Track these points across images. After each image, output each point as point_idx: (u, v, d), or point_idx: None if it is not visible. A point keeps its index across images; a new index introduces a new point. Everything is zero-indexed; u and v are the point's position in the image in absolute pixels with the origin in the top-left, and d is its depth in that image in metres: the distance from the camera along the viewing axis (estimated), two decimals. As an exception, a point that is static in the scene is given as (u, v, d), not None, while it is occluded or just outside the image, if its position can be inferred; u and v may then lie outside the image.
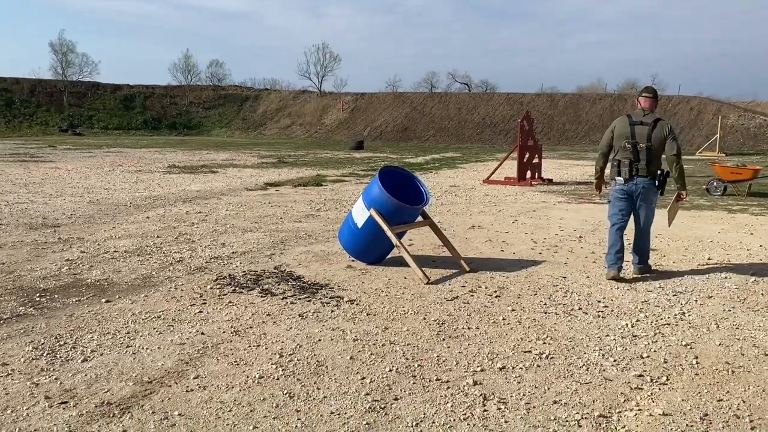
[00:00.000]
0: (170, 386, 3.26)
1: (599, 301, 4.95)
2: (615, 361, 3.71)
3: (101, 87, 53.99)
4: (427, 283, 5.37)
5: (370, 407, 3.06)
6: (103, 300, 4.77)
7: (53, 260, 6.01)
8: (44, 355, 3.66)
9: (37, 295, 4.87)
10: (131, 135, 46.33)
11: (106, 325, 4.20)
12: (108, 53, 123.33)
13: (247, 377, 3.39)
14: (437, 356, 3.73)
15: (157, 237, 7.25)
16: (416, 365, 3.59)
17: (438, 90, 60.19)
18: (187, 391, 3.21)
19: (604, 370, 3.57)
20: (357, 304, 4.75)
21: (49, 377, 3.34)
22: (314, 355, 3.73)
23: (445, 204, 10.73)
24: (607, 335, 4.16)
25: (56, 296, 4.85)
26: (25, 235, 7.23)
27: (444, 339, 4.03)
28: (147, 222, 8.33)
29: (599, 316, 4.58)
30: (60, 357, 3.63)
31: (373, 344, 3.92)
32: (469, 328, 4.26)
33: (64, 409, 2.98)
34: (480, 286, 5.34)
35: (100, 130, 47.73)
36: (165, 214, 9.07)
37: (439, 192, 12.61)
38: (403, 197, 5.88)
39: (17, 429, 2.79)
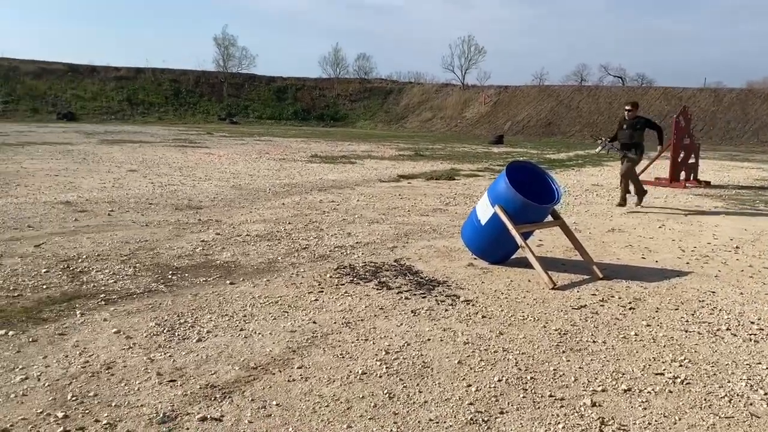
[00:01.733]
0: (273, 374, 3.26)
1: (753, 323, 4.32)
2: (766, 394, 3.18)
3: (257, 79, 57.51)
4: (553, 288, 5.00)
5: (471, 419, 2.85)
6: (228, 282, 4.94)
7: (190, 240, 6.36)
8: (164, 331, 3.82)
9: (170, 272, 5.16)
10: (282, 125, 48.88)
11: (225, 307, 4.32)
12: (264, 46, 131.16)
13: (350, 372, 3.31)
14: (553, 369, 3.42)
15: (288, 223, 7.46)
16: (529, 377, 3.31)
17: (588, 83, 57.32)
18: (288, 380, 3.19)
19: (751, 404, 3.07)
20: (473, 305, 4.52)
21: (164, 354, 3.47)
22: (421, 355, 3.57)
23: (584, 204, 10.09)
24: (759, 363, 3.60)
25: (186, 275, 5.10)
26: (171, 215, 7.75)
27: (564, 351, 3.70)
28: (282, 208, 8.61)
29: (751, 339, 3.99)
30: (178, 335, 3.77)
31: (485, 350, 3.68)
32: (594, 341, 3.88)
33: (171, 387, 3.07)
34: (613, 296, 4.88)
35: (255, 120, 50.85)
36: (300, 201, 9.34)
37: (579, 191, 11.91)
38: (531, 194, 5.54)
39: (126, 402, 2.90)
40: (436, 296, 4.70)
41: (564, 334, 3.99)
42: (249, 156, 17.85)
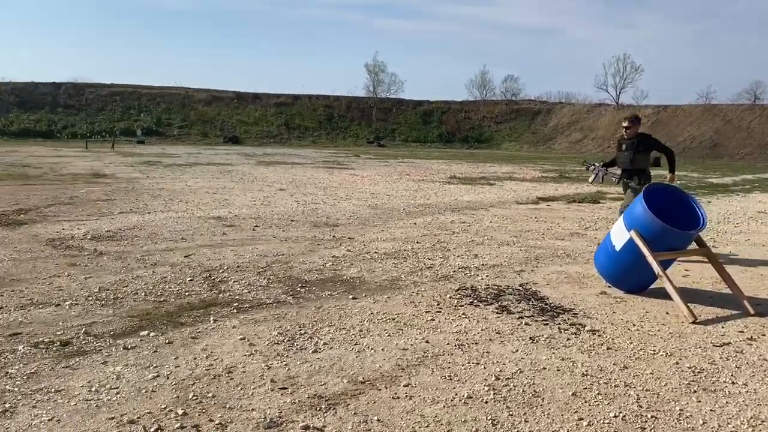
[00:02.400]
0: (379, 390, 3.28)
1: None
2: None
3: (404, 103, 59.04)
4: (693, 323, 4.57)
5: (578, 455, 2.67)
6: (350, 296, 5.07)
7: (322, 255, 6.63)
8: (285, 341, 4.00)
9: (299, 285, 5.40)
10: (426, 147, 49.61)
11: (344, 321, 4.44)
12: (412, 71, 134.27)
13: (456, 394, 3.24)
14: (679, 410, 3.11)
15: (417, 243, 7.52)
16: (649, 416, 3.04)
17: (762, 102, 52.16)
18: (393, 398, 3.20)
19: None
20: (599, 336, 4.25)
21: (281, 362, 3.63)
22: (533, 383, 3.41)
23: (745, 232, 9.15)
24: None
25: (314, 288, 5.32)
26: (308, 231, 8.13)
27: (695, 391, 3.35)
28: (412, 228, 8.71)
29: None
30: (296, 345, 3.93)
31: (604, 383, 3.44)
32: (733, 382, 3.48)
33: (281, 394, 3.20)
34: (764, 334, 4.36)
35: (401, 143, 52.12)
36: (431, 221, 9.39)
37: (741, 218, 10.82)
38: (672, 219, 5.12)
39: (239, 405, 3.07)
40: (559, 324, 4.48)
41: (698, 372, 3.62)
42: (390, 177, 18.29)
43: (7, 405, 3.01)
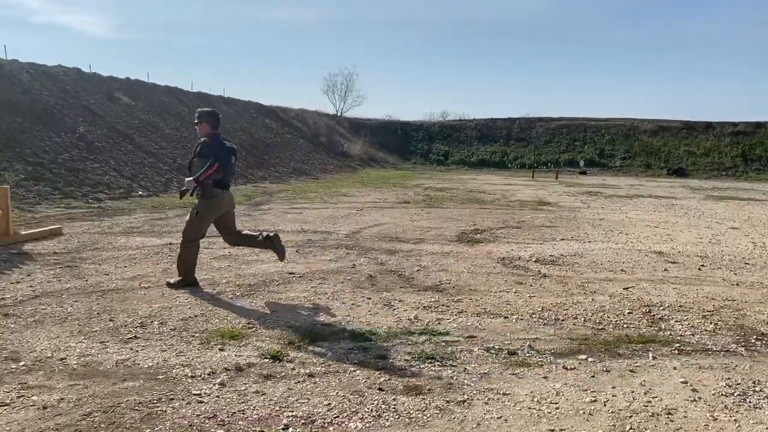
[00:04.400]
0: None
1: None
2: None
3: None
4: None
5: None
6: (824, 361, 4.24)
7: (785, 308, 5.70)
8: (735, 394, 3.60)
9: (754, 336, 4.78)
10: None
11: (814, 388, 3.74)
12: None
13: None
14: None
15: None
16: None
17: None
18: None
19: None
20: None
21: (729, 416, 3.30)
22: None
23: None
24: None
25: (772, 343, 4.63)
26: (765, 277, 7.10)
27: None
28: None
29: None
30: (749, 402, 3.50)
31: None
32: None
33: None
34: None
35: None
36: None
37: None
38: None
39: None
40: None
41: None
42: None
43: (465, 396, 3.52)
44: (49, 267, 6.59)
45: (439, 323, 4.94)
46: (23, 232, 8.36)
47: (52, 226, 9.04)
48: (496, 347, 4.38)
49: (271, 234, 6.17)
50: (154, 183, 16.51)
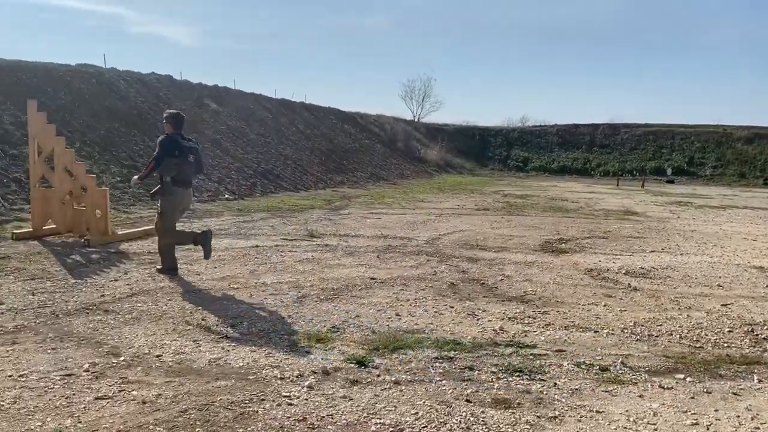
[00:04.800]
0: None
1: None
2: None
3: None
4: None
5: None
6: None
7: None
8: None
9: None
10: None
11: None
12: None
13: None
14: None
15: None
16: None
17: None
18: None
19: None
20: None
21: None
22: None
23: None
24: None
25: None
26: None
27: None
28: None
29: None
30: None
31: None
32: None
33: None
34: None
35: None
36: None
37: None
38: None
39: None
40: None
41: None
42: None
43: (556, 413, 3.40)
44: (144, 266, 6.91)
45: (525, 335, 4.82)
46: (120, 232, 8.81)
47: (147, 227, 9.48)
48: (587, 362, 4.23)
49: (205, 230, 6.68)
50: (239, 187, 17.05)
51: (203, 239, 6.48)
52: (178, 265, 6.62)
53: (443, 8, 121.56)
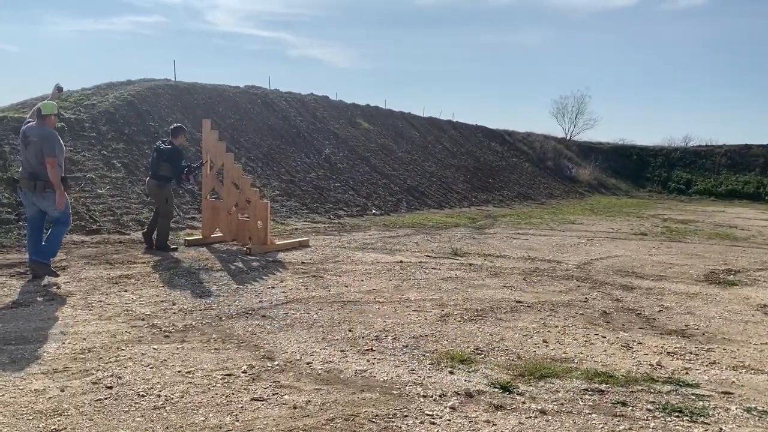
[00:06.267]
0: None
1: None
2: None
3: None
4: None
5: None
6: None
7: None
8: None
9: None
10: None
11: None
12: None
13: None
14: None
15: None
16: None
17: None
18: None
19: None
20: None
21: None
22: None
23: None
24: None
25: None
26: None
27: None
28: None
29: None
30: None
31: None
32: None
33: None
34: None
35: None
36: None
37: None
38: None
39: None
40: None
41: None
42: None
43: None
44: (298, 275, 7.29)
45: (686, 373, 4.44)
46: (277, 242, 9.38)
47: (301, 238, 10.01)
48: (759, 408, 3.80)
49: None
50: (386, 202, 17.48)
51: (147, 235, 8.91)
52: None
53: (597, 24, 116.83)
